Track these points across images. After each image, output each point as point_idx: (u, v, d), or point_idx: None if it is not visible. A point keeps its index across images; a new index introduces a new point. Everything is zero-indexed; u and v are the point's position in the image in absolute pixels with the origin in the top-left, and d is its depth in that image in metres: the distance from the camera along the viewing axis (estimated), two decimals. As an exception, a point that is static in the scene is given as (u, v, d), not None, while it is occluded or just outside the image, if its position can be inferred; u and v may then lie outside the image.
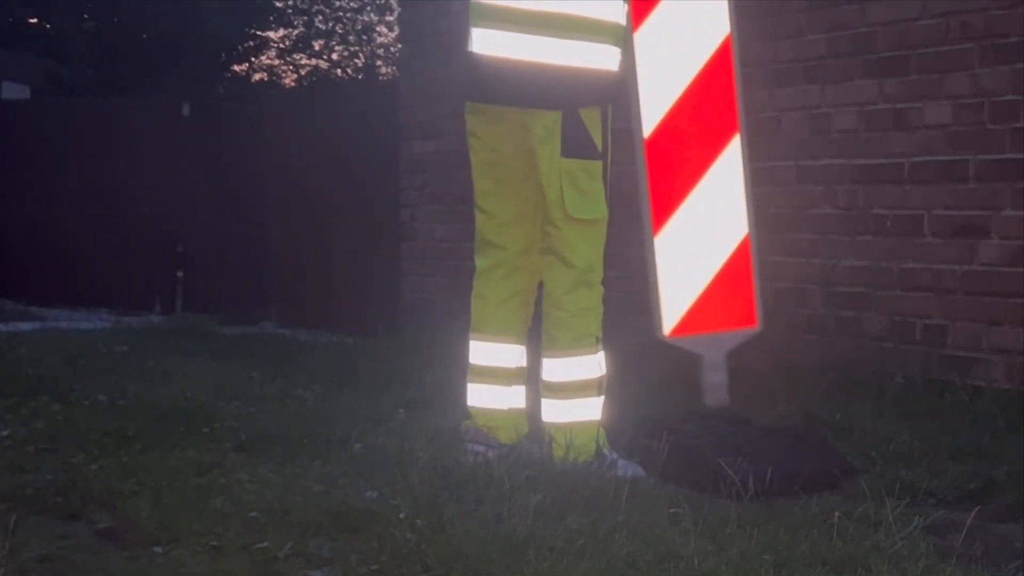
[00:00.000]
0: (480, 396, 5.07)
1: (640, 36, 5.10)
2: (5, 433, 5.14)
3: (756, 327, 5.31)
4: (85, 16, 23.62)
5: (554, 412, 4.90)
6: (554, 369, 4.93)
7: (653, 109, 5.16)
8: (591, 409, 4.89)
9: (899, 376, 6.26)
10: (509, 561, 3.49)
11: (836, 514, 4.01)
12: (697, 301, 5.21)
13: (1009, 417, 5.56)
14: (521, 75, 4.77)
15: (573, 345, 4.90)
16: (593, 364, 4.91)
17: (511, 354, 5.09)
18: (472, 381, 5.11)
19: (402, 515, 3.85)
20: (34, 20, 23.37)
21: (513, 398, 5.07)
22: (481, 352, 5.11)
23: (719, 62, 5.23)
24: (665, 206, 5.18)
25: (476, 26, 4.86)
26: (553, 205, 4.87)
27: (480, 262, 5.13)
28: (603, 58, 4.78)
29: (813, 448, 5.30)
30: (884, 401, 5.99)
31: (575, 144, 4.79)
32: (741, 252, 5.27)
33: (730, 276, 5.24)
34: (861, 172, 6.69)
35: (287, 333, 10.31)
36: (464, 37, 4.93)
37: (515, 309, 5.09)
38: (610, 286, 8.20)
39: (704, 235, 5.22)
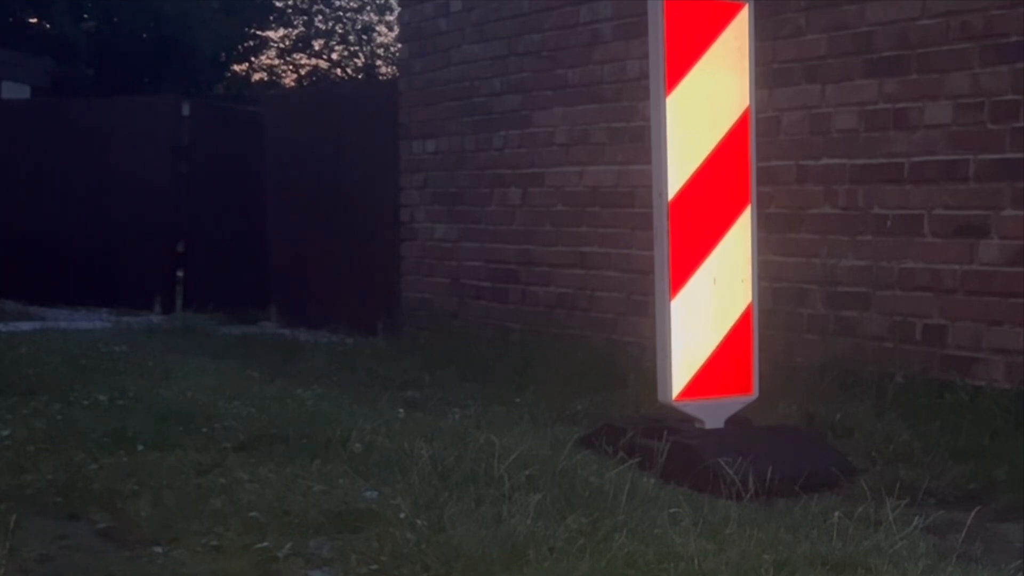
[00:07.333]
0: None
1: (672, 101, 5.21)
2: (5, 433, 5.15)
3: (752, 395, 5.41)
4: (85, 16, 23.58)
5: None
6: None
7: (678, 172, 5.25)
8: None
9: (899, 376, 6.26)
10: (509, 561, 3.50)
11: (836, 514, 4.02)
12: (703, 366, 5.32)
13: (1009, 417, 5.55)
14: None
15: None
16: None
17: None
18: None
19: (402, 515, 3.86)
20: (34, 20, 23.33)
21: None
22: None
23: (738, 133, 5.37)
24: (684, 270, 5.28)
25: None
26: None
27: None
28: None
29: (813, 448, 5.31)
30: (884, 401, 5.99)
31: None
32: (744, 321, 5.39)
33: (733, 343, 5.37)
34: (861, 172, 6.68)
35: (287, 333, 10.31)
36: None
37: None
38: (610, 286, 8.24)
39: (714, 302, 5.32)
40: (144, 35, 23.91)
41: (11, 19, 22.78)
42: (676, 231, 5.24)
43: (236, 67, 28.61)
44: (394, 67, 26.29)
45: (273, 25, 29.92)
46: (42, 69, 19.02)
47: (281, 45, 31.02)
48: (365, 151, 10.87)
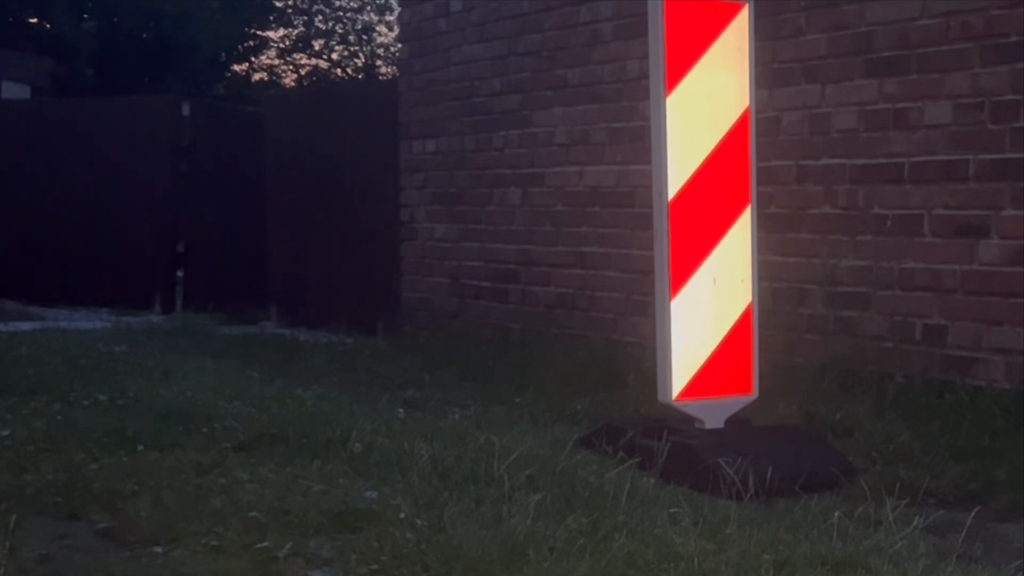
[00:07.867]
0: None
1: (672, 101, 5.22)
2: (5, 433, 5.15)
3: (752, 395, 5.42)
4: (85, 16, 23.59)
5: None
6: None
7: (678, 172, 5.26)
8: None
9: (899, 376, 6.26)
10: (509, 561, 3.50)
11: (836, 514, 4.02)
12: (703, 366, 5.33)
13: (1009, 417, 5.56)
14: None
15: None
16: None
17: None
18: None
19: (402, 515, 3.86)
20: (34, 20, 23.34)
21: None
22: None
23: (738, 133, 5.38)
24: (684, 270, 5.28)
25: None
26: None
27: None
28: None
29: (813, 448, 5.31)
30: (884, 401, 5.99)
31: None
32: (744, 321, 5.40)
33: (733, 343, 5.37)
34: (861, 172, 6.68)
35: (287, 333, 10.31)
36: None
37: None
38: (610, 286, 8.24)
39: (714, 302, 5.33)
40: (144, 35, 23.92)
41: (11, 19, 22.78)
42: (676, 231, 5.25)
43: (236, 67, 28.63)
44: (394, 67, 26.30)
45: (273, 25, 29.95)
46: (42, 69, 19.02)
47: (281, 45, 31.05)
48: (365, 151, 10.87)
